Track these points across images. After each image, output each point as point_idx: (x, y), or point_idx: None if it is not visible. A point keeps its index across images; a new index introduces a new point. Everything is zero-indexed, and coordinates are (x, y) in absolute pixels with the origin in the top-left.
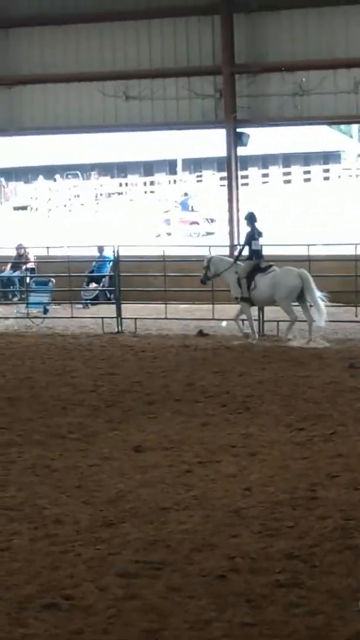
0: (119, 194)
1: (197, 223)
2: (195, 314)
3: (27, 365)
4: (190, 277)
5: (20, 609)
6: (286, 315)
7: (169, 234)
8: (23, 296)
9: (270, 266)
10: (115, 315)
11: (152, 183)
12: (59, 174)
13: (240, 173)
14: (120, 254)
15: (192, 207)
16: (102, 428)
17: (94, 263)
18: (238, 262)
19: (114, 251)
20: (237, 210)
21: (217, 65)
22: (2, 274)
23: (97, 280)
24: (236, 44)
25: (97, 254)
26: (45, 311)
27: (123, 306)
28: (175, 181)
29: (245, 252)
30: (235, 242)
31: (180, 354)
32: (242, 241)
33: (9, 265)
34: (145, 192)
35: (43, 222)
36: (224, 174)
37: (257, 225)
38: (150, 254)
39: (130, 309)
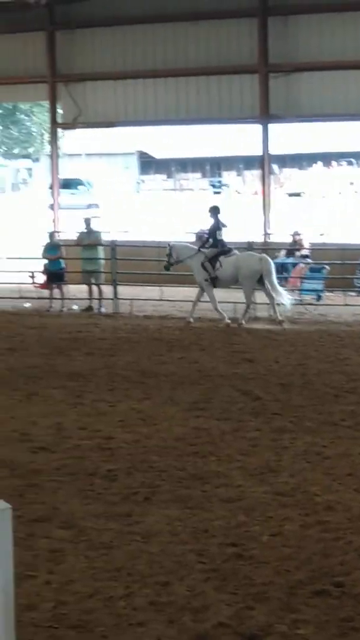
0: None
1: None
2: None
3: (300, 351)
4: None
5: (291, 594)
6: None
7: None
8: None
9: (231, 249)
10: None
11: None
12: (334, 160)
13: None
14: None
15: None
16: None
17: None
18: (202, 250)
19: None
20: None
21: None
22: (277, 260)
23: None
24: None
25: None
26: (319, 298)
27: None
28: None
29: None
30: None
31: None
32: None
33: (282, 252)
34: None
35: (317, 208)
36: None
37: (220, 217)
38: None
39: None
